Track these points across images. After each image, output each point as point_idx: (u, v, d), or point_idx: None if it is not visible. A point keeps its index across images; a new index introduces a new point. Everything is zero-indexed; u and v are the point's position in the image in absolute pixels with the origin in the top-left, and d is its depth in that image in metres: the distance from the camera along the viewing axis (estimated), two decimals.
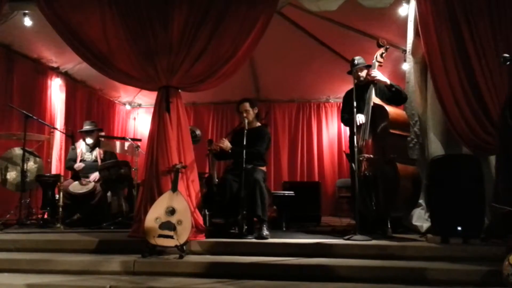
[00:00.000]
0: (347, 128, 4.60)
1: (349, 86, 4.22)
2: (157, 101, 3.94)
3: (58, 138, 5.94)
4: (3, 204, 4.93)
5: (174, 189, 3.49)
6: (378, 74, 4.00)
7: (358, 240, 3.49)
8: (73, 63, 5.91)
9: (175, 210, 3.34)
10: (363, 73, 4.17)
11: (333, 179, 7.39)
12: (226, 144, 4.08)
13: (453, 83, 3.76)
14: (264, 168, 4.18)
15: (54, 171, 5.65)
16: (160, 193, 3.58)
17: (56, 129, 5.67)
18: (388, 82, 4.04)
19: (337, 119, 7.42)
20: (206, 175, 4.97)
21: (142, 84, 4.24)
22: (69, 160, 5.23)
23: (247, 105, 4.22)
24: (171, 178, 3.63)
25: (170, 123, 3.83)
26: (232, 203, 3.86)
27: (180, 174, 3.63)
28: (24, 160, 4.67)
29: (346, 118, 4.21)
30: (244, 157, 3.84)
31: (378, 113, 3.89)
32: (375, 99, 3.95)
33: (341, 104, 4.49)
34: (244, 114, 4.16)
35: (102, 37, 3.96)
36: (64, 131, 5.71)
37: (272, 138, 4.74)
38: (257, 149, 4.08)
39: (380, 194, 3.75)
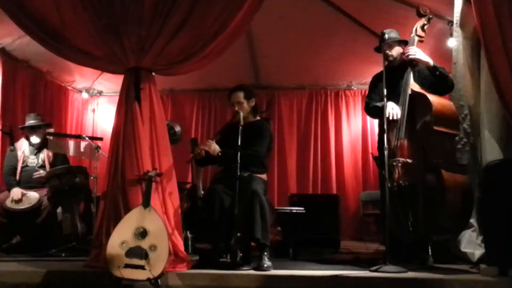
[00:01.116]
0: (376, 123, 4.60)
1: (378, 68, 4.23)
2: (124, 88, 3.95)
3: None
4: None
5: (146, 204, 3.49)
6: (417, 52, 4.02)
7: (390, 272, 3.48)
8: (12, 37, 5.88)
9: (147, 232, 3.34)
10: (394, 51, 4.19)
11: (357, 191, 7.42)
12: (214, 147, 4.04)
13: None
14: (264, 176, 4.20)
15: None
16: (127, 210, 3.58)
17: None
18: (431, 63, 4.05)
19: (362, 111, 7.44)
20: (189, 186, 4.97)
21: (103, 64, 4.26)
22: (8, 171, 5.15)
23: (240, 95, 4.21)
24: (142, 189, 3.63)
25: (141, 116, 3.84)
26: (223, 222, 3.86)
27: (154, 184, 3.64)
28: None
29: (372, 106, 4.22)
30: (239, 161, 3.84)
31: (417, 104, 3.91)
32: (413, 86, 3.97)
33: (367, 92, 4.50)
34: (236, 108, 4.16)
35: (53, 6, 3.95)
36: (0, 127, 5.69)
37: (275, 136, 4.74)
38: (255, 149, 4.08)
39: (419, 210, 3.77)
